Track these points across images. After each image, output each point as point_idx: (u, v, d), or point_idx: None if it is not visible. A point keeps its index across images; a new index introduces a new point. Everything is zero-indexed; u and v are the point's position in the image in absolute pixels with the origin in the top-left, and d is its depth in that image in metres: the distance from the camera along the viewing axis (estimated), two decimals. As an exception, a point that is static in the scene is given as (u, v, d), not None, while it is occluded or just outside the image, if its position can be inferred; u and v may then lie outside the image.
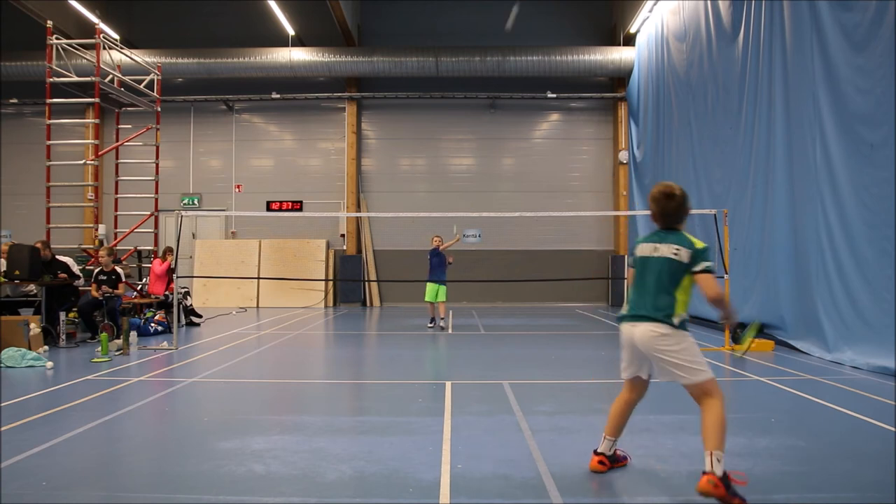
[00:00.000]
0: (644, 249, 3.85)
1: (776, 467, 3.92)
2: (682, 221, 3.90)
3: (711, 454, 3.40)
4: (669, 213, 3.85)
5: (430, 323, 12.11)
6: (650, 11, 16.14)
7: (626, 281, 3.29)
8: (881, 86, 7.27)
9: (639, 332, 3.73)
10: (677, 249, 3.72)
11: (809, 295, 8.75)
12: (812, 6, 8.65)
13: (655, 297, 3.74)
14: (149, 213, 13.55)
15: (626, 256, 18.23)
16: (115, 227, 13.93)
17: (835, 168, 8.14)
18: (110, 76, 12.60)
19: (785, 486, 3.64)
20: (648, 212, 3.99)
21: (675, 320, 3.71)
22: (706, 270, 3.71)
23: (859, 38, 7.69)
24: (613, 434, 3.91)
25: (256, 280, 18.16)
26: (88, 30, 15.72)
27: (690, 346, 3.69)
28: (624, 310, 3.87)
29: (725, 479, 3.34)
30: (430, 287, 11.75)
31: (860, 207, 7.66)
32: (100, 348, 8.33)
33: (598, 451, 3.89)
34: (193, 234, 19.11)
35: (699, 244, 3.74)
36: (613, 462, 3.91)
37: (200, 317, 13.12)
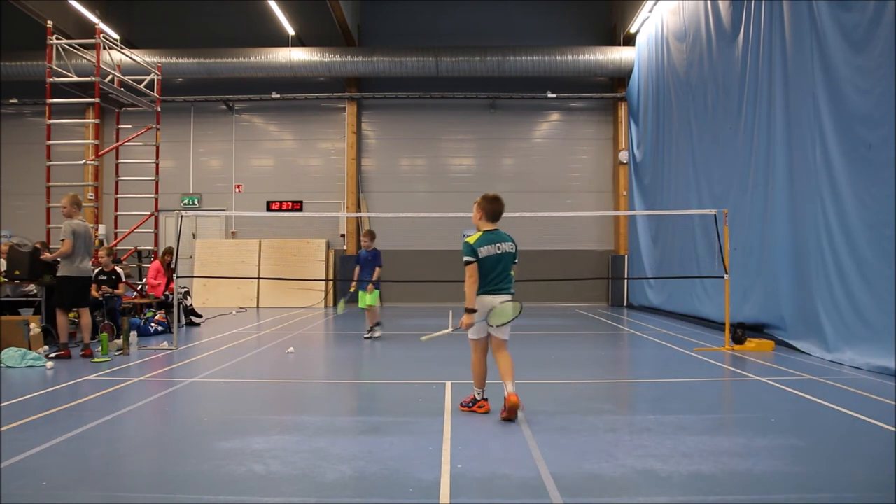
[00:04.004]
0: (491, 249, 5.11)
1: (776, 467, 3.91)
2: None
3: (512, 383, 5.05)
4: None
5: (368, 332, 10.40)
6: (650, 11, 16.13)
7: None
8: (880, 86, 7.26)
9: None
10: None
11: (809, 295, 8.75)
12: (811, 6, 8.64)
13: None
14: (149, 213, 13.57)
15: (625, 256, 18.24)
16: (116, 227, 13.95)
17: (834, 168, 8.14)
18: (110, 76, 12.61)
19: (785, 486, 3.64)
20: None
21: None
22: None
23: (858, 38, 7.69)
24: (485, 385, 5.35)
25: (256, 280, 18.16)
26: (88, 30, 15.72)
27: None
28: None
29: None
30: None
31: (860, 207, 7.65)
32: (100, 348, 8.33)
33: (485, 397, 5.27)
34: (193, 234, 19.11)
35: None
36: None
37: (200, 317, 13.12)
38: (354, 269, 10.42)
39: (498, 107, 19.31)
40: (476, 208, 5.28)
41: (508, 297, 5.16)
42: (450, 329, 4.99)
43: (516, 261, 5.27)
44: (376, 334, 10.25)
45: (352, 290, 10.30)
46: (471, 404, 5.33)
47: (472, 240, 5.10)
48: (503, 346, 5.28)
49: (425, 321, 12.71)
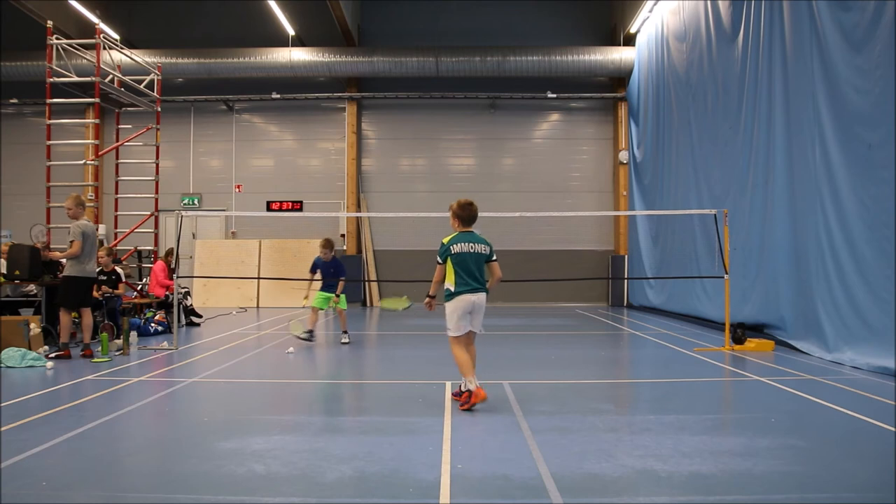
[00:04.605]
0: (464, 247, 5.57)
1: (776, 467, 3.92)
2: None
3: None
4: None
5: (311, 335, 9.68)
6: (650, 11, 16.14)
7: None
8: (879, 86, 7.26)
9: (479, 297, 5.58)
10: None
11: (809, 295, 8.75)
12: (811, 6, 8.64)
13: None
14: (149, 213, 13.56)
15: (625, 256, 18.25)
16: (116, 227, 13.94)
17: (834, 168, 8.14)
18: (110, 76, 12.60)
19: (785, 486, 3.64)
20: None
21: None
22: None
23: (858, 38, 7.69)
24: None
25: (256, 280, 18.16)
26: (88, 30, 15.72)
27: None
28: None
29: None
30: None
31: (859, 207, 7.66)
32: (100, 348, 8.33)
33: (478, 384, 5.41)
34: (193, 234, 19.11)
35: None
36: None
37: (200, 317, 13.12)
38: (312, 273, 9.90)
39: (498, 107, 19.31)
40: (451, 215, 5.74)
41: (484, 295, 5.61)
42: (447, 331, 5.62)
43: (495, 259, 5.69)
44: (344, 340, 9.82)
45: (305, 300, 9.84)
46: (468, 399, 5.42)
47: (446, 239, 5.63)
48: (472, 340, 5.74)
49: (425, 321, 12.71)
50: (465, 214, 5.66)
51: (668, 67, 14.93)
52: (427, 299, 5.71)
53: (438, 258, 5.59)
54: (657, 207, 15.54)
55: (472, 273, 5.53)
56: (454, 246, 5.54)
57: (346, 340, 9.87)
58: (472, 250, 5.55)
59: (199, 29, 19.25)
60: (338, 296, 10.00)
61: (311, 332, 9.60)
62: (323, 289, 10.01)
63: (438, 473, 3.78)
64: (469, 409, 5.35)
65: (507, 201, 18.55)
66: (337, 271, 10.01)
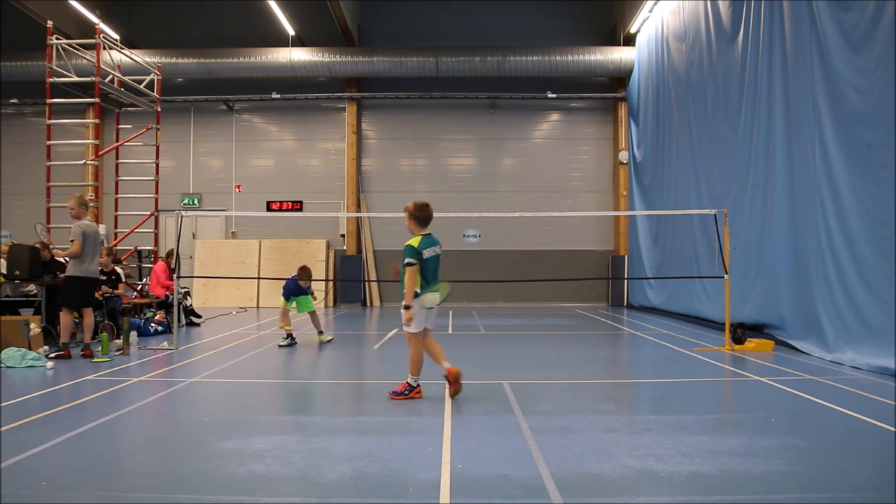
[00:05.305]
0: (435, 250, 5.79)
1: (776, 467, 3.92)
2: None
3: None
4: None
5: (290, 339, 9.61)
6: (650, 11, 16.14)
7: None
8: (879, 86, 7.26)
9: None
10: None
11: (809, 295, 8.75)
12: (811, 6, 8.64)
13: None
14: (149, 213, 13.57)
15: (625, 256, 18.25)
16: (116, 227, 13.96)
17: (834, 168, 8.14)
18: (110, 76, 12.61)
19: (785, 486, 3.64)
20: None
21: None
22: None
23: (858, 38, 7.69)
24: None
25: (256, 280, 18.16)
26: (88, 30, 15.72)
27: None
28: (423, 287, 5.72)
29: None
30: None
31: (859, 207, 7.66)
32: (100, 348, 8.33)
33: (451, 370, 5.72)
34: (193, 235, 19.11)
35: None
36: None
37: (200, 317, 13.12)
38: (287, 299, 9.84)
39: (498, 107, 19.31)
40: (407, 217, 5.81)
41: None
42: (396, 328, 5.71)
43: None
44: (327, 338, 10.09)
45: (285, 329, 9.68)
46: (406, 392, 5.83)
47: (415, 242, 5.66)
48: (429, 333, 5.93)
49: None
50: (423, 216, 5.79)
51: (668, 67, 14.93)
52: (408, 311, 5.58)
53: (411, 259, 5.57)
54: (657, 207, 15.54)
55: (435, 275, 5.79)
56: (425, 251, 5.69)
57: (330, 338, 10.07)
58: (436, 253, 5.79)
59: (199, 29, 19.25)
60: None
61: (290, 335, 9.54)
62: (305, 293, 9.98)
63: (438, 473, 3.78)
64: (403, 399, 5.80)
65: (507, 201, 18.57)
66: (308, 290, 10.09)
